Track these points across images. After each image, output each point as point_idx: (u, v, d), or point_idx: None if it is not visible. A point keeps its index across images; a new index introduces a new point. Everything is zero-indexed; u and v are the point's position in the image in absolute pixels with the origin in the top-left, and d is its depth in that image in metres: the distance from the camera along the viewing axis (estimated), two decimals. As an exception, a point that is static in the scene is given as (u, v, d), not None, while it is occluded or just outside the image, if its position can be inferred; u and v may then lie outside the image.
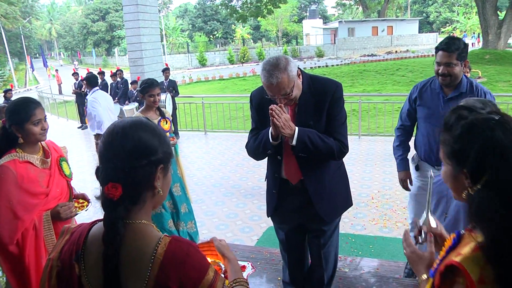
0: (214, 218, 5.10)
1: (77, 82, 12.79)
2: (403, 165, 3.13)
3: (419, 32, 48.51)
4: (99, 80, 12.04)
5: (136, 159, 1.09)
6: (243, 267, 1.66)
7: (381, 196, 5.49)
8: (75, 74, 13.38)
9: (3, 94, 11.45)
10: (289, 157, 2.29)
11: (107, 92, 11.57)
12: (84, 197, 2.60)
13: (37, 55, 59.90)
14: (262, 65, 2.09)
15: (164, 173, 1.17)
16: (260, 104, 2.36)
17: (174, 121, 9.91)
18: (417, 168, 3.09)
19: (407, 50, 39.23)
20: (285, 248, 2.69)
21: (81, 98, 11.86)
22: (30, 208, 2.19)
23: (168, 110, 8.91)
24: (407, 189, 3.11)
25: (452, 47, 2.68)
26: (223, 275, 1.21)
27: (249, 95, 2.50)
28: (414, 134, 3.24)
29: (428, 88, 2.96)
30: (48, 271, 1.18)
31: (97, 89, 5.96)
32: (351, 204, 2.61)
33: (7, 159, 2.15)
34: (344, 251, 4.06)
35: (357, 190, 5.73)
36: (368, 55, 36.98)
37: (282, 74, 2.03)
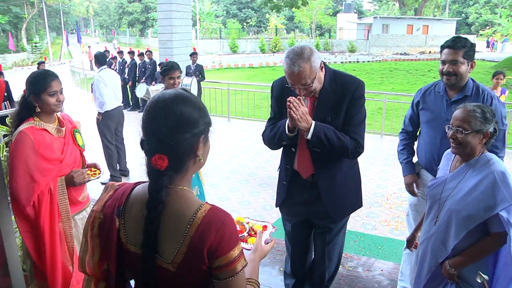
0: (228, 204, 5.17)
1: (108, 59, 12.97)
2: (408, 168, 2.97)
3: (456, 33, 47.02)
4: (128, 60, 12.28)
5: (180, 133, 1.16)
6: (265, 227, 1.76)
7: (396, 198, 5.43)
8: (120, 52, 13.42)
9: (37, 65, 11.79)
10: (304, 150, 2.28)
11: (136, 71, 11.77)
12: (95, 166, 2.77)
13: (74, 31, 61.20)
14: (286, 53, 2.09)
15: (204, 141, 1.25)
16: (281, 95, 2.35)
17: (198, 105, 10.00)
18: (417, 176, 2.96)
19: (442, 51, 37.97)
20: (290, 240, 2.69)
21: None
22: (45, 173, 2.33)
23: (194, 94, 9.05)
24: (413, 194, 2.93)
25: (459, 44, 2.53)
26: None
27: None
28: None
29: (432, 91, 2.81)
30: (91, 222, 1.29)
31: (104, 67, 5.98)
32: (361, 206, 2.56)
33: (25, 125, 2.31)
34: (351, 249, 4.06)
35: (372, 189, 5.69)
36: (401, 54, 36.19)
37: (304, 63, 2.02)
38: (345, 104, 2.21)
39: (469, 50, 2.55)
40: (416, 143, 3.05)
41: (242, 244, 1.63)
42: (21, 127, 2.30)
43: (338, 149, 2.17)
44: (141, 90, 8.08)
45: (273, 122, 2.42)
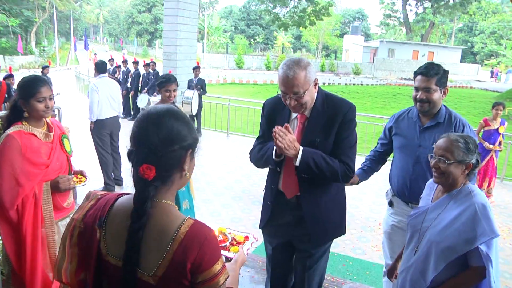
0: (218, 220, 5.13)
1: (111, 68, 13.12)
2: (359, 172, 3.07)
3: (460, 62, 47.32)
4: (132, 69, 12.40)
5: (170, 145, 1.21)
6: (246, 238, 1.82)
7: (389, 222, 5.38)
8: (124, 62, 13.50)
9: (41, 70, 11.89)
10: (289, 170, 2.27)
11: (139, 81, 11.87)
12: (82, 173, 2.77)
13: (82, 38, 61.89)
14: (283, 61, 2.13)
15: (191, 156, 1.29)
16: (272, 114, 2.37)
17: (198, 118, 10.04)
18: (390, 204, 2.94)
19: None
20: (270, 263, 2.65)
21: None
22: (31, 177, 2.34)
23: (195, 107, 9.07)
24: (352, 184, 2.99)
25: (431, 72, 2.56)
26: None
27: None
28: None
29: (406, 117, 2.83)
30: (71, 230, 1.31)
31: (103, 76, 5.99)
32: (343, 233, 2.52)
33: (13, 129, 2.33)
34: (339, 273, 4.02)
35: (365, 214, 5.67)
36: (405, 79, 36.37)
37: (300, 70, 2.05)
38: (335, 127, 2.20)
39: (441, 77, 2.58)
40: (383, 166, 3.15)
41: (225, 253, 1.70)
42: (9, 130, 2.31)
43: (327, 174, 2.15)
44: (142, 100, 8.11)
45: (261, 141, 2.42)
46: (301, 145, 2.15)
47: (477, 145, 2.02)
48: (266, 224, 2.51)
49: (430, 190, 2.25)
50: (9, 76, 9.21)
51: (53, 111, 4.38)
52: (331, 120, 2.20)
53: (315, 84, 2.17)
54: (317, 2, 23.94)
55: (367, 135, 9.66)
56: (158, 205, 1.22)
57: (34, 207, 2.38)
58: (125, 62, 13.38)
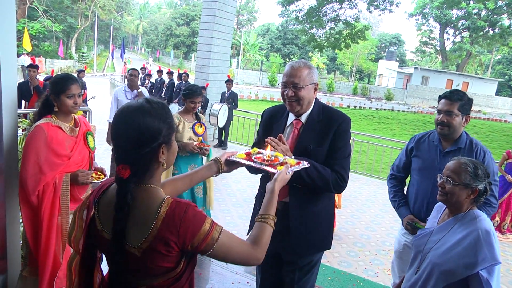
0: (234, 230, 5.22)
1: (142, 76, 13.55)
2: (406, 210, 2.88)
3: (496, 94, 46.06)
4: (167, 80, 12.78)
5: (140, 147, 1.29)
6: (298, 162, 1.88)
7: (405, 248, 5.33)
8: (159, 71, 14.03)
9: (76, 73, 12.41)
10: None
11: (173, 91, 12.21)
12: (102, 171, 2.90)
13: (120, 46, 63.91)
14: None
15: (167, 148, 1.38)
16: (269, 122, 2.45)
17: (225, 131, 10.21)
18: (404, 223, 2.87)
19: (479, 110, 37.40)
20: (260, 272, 2.63)
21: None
22: (53, 167, 2.52)
23: (222, 120, 9.24)
24: (413, 232, 2.77)
25: (455, 97, 2.61)
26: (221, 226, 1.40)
27: None
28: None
29: (426, 140, 2.84)
30: (81, 205, 1.51)
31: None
32: (329, 247, 2.47)
33: (43, 121, 2.52)
34: (348, 292, 4.02)
35: (382, 237, 5.63)
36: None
37: (305, 66, 2.21)
38: (329, 136, 2.24)
39: (465, 104, 2.62)
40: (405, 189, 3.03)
41: (271, 169, 1.76)
42: (39, 122, 2.51)
43: (318, 183, 2.17)
44: (172, 110, 8.35)
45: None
46: (294, 150, 2.22)
47: (488, 173, 2.02)
48: None
49: (437, 212, 2.27)
50: (50, 78, 9.66)
51: (85, 113, 4.63)
52: (326, 129, 2.25)
53: (315, 89, 2.28)
54: (354, 25, 24.00)
55: (390, 160, 9.59)
56: (143, 189, 1.35)
57: (53, 195, 2.54)
58: (160, 71, 13.80)
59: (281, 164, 1.83)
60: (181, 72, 12.91)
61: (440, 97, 2.71)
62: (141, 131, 1.28)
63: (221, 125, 9.33)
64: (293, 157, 2.08)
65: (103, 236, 1.39)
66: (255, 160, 1.85)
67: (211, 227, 1.34)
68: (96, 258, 1.50)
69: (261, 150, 1.96)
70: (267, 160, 1.84)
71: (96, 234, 1.42)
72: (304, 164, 1.89)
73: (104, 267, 1.52)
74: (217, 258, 1.38)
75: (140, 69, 14.74)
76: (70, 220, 2.61)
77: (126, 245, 1.32)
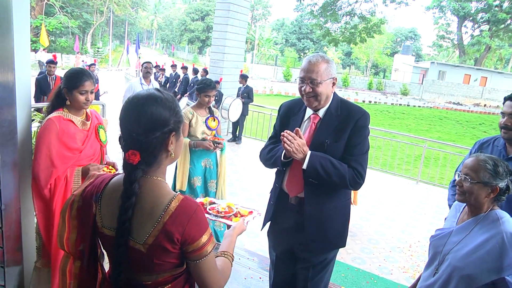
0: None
1: (156, 71, 13.65)
2: None
3: (516, 90, 45.29)
4: (181, 74, 12.85)
5: (151, 131, 1.28)
6: (250, 212, 1.95)
7: (420, 246, 5.25)
8: (173, 66, 14.07)
9: (87, 66, 12.54)
10: (296, 169, 2.26)
11: (187, 85, 12.26)
12: (114, 165, 2.87)
13: (135, 41, 64.26)
14: None
15: (176, 138, 1.37)
16: (286, 116, 2.41)
17: (240, 126, 10.19)
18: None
19: (498, 106, 36.44)
20: (274, 269, 2.61)
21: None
22: (65, 160, 2.51)
23: (235, 115, 9.22)
24: None
25: None
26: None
27: None
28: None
29: (491, 145, 2.67)
30: (70, 204, 1.45)
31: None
32: (343, 245, 2.42)
33: (54, 114, 2.52)
34: (362, 289, 3.98)
35: (396, 234, 5.56)
36: (454, 103, 35.19)
37: (323, 61, 2.16)
38: (347, 131, 2.19)
39: None
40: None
41: (227, 222, 1.82)
42: (50, 115, 2.51)
43: (335, 179, 2.13)
44: (181, 103, 8.37)
45: (273, 141, 2.46)
46: (311, 145, 2.18)
47: (510, 171, 1.93)
48: (269, 228, 2.53)
49: (456, 211, 2.18)
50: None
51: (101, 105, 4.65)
52: (343, 124, 2.21)
53: (333, 84, 2.23)
54: (369, 19, 23.70)
55: (406, 156, 9.48)
56: (149, 181, 1.33)
57: (64, 188, 2.53)
58: (174, 66, 13.84)
59: (235, 215, 1.91)
60: (196, 67, 12.92)
61: (505, 99, 2.50)
62: (153, 116, 1.28)
63: (233, 119, 9.30)
64: (307, 156, 2.11)
65: (103, 233, 1.37)
66: (209, 211, 1.92)
67: (209, 239, 1.34)
68: (101, 264, 1.49)
69: (214, 200, 2.08)
70: (221, 212, 1.92)
71: (96, 231, 1.40)
72: (255, 213, 1.95)
73: (105, 264, 1.50)
74: (194, 273, 1.37)
75: (154, 67, 14.82)
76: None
77: (130, 241, 1.30)
